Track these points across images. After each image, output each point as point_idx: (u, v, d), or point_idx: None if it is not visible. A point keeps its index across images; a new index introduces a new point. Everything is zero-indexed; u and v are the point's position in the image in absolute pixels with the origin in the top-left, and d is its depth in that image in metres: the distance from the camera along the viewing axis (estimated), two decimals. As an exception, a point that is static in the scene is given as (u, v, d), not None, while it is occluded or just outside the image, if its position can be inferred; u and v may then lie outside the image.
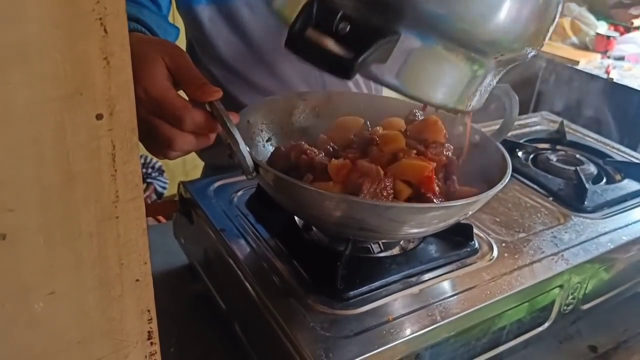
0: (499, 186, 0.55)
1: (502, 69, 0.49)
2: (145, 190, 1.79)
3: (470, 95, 0.47)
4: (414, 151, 0.59)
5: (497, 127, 0.69)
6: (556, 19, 0.46)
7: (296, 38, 0.41)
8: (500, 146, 0.64)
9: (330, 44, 0.40)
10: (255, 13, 0.89)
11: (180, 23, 0.96)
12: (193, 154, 0.75)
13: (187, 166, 2.00)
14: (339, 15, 0.41)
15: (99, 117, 0.35)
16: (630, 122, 2.23)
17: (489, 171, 0.62)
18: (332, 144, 0.64)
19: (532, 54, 0.47)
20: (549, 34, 0.47)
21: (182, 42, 0.98)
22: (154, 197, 1.80)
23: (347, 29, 0.40)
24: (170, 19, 0.87)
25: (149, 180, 1.81)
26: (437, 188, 0.58)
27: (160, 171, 1.86)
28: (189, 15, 0.91)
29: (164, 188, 1.84)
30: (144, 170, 1.81)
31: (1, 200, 0.34)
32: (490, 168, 0.62)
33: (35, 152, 0.35)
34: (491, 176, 0.61)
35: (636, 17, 2.69)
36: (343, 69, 0.41)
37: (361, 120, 0.69)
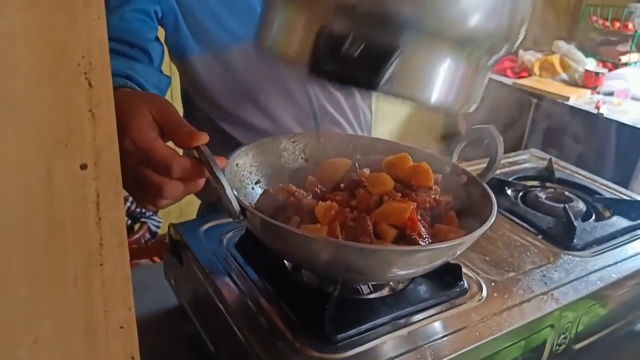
0: (484, 227, 0.56)
1: (489, 65, 0.50)
2: (139, 230, 1.79)
3: (462, 95, 0.49)
4: (399, 194, 0.60)
5: (484, 166, 0.70)
6: (529, 10, 0.48)
7: (318, 68, 0.44)
8: (486, 187, 0.65)
9: (350, 68, 0.43)
10: (249, 58, 0.91)
11: (174, 69, 0.99)
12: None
13: (183, 202, 2.00)
14: (346, 40, 0.43)
15: (84, 167, 0.36)
16: (622, 157, 2.25)
17: (476, 211, 0.63)
18: (319, 187, 0.65)
19: (507, 49, 0.48)
20: (524, 26, 0.48)
21: (176, 87, 1.01)
22: (147, 236, 1.80)
23: (357, 51, 0.42)
24: (166, 65, 0.89)
25: (142, 219, 1.81)
26: (422, 229, 0.58)
27: (154, 210, 1.86)
28: (183, 65, 0.94)
29: (158, 227, 1.84)
30: (138, 209, 1.81)
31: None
32: (477, 208, 0.63)
33: (24, 199, 0.35)
34: (478, 216, 0.61)
35: (623, 54, 2.75)
36: (369, 82, 0.43)
37: (349, 161, 0.70)
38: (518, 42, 0.48)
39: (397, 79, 0.44)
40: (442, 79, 0.46)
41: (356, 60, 0.43)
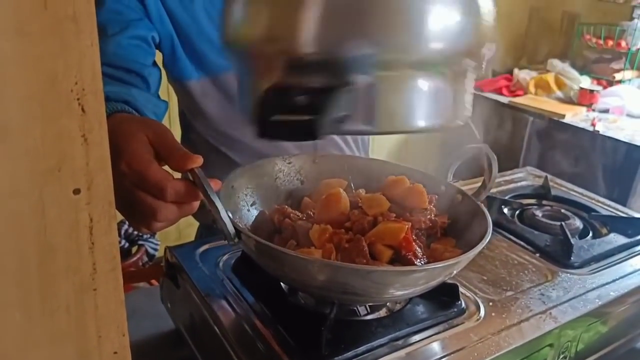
0: (479, 247, 0.56)
1: (467, 73, 0.50)
2: (136, 253, 1.78)
3: (448, 109, 0.49)
4: (394, 214, 0.60)
5: (479, 185, 0.70)
6: (490, 16, 0.48)
7: (265, 126, 0.43)
8: (481, 205, 0.65)
9: (295, 118, 0.41)
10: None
11: (172, 91, 1.00)
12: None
13: (180, 226, 2.00)
14: (292, 93, 0.42)
15: (77, 192, 0.36)
16: (618, 173, 2.25)
17: (472, 230, 0.63)
18: (314, 209, 0.65)
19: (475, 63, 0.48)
20: (488, 31, 0.48)
21: (174, 109, 1.02)
22: (145, 259, 1.79)
23: (304, 101, 0.42)
24: (164, 88, 0.90)
25: (140, 242, 1.80)
26: (417, 249, 0.58)
27: (149, 233, 1.85)
28: (180, 88, 0.95)
29: (155, 250, 1.83)
30: (135, 232, 1.80)
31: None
32: (473, 227, 0.63)
33: (14, 225, 0.35)
34: (474, 235, 0.61)
35: (617, 71, 2.77)
36: (310, 133, 0.42)
37: (344, 182, 0.70)
38: (488, 51, 0.49)
39: (375, 116, 0.44)
40: (418, 102, 0.46)
41: (299, 110, 0.42)
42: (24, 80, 0.32)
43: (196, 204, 0.56)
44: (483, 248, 0.57)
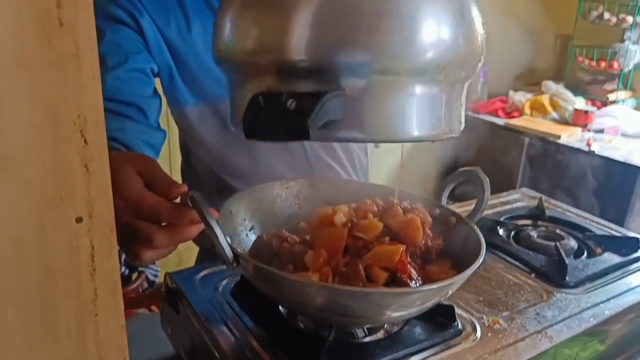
0: (473, 267, 0.57)
1: (459, 85, 0.51)
2: (136, 279, 1.79)
3: (441, 120, 0.50)
4: (387, 237, 0.61)
5: (472, 207, 0.71)
6: (478, 27, 0.49)
7: (253, 127, 0.44)
8: (475, 227, 0.66)
9: (284, 120, 0.43)
10: None
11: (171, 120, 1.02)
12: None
13: (180, 251, 2.01)
14: (282, 97, 0.44)
15: (79, 220, 0.37)
16: (615, 193, 2.27)
17: (466, 252, 0.64)
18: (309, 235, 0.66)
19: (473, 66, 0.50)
20: (479, 42, 0.50)
21: (175, 134, 1.04)
22: (145, 285, 1.79)
23: (293, 104, 0.43)
24: (163, 116, 0.92)
25: (140, 268, 1.81)
26: (413, 271, 0.59)
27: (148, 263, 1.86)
28: (179, 115, 0.97)
29: (155, 276, 1.83)
30: (136, 258, 1.81)
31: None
32: (467, 249, 0.64)
33: (14, 251, 0.36)
34: (468, 257, 0.62)
35: (611, 92, 2.81)
36: (299, 132, 0.43)
37: (343, 208, 0.71)
38: (479, 63, 0.50)
39: (369, 125, 0.46)
40: (410, 111, 0.47)
41: (288, 113, 0.44)
42: (28, 112, 0.34)
43: (192, 230, 0.57)
44: (478, 269, 0.58)
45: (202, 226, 0.57)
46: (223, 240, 0.53)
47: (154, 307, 1.63)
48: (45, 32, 0.33)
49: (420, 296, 0.57)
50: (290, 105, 0.43)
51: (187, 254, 1.69)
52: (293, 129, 0.43)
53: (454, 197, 0.83)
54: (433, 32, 0.45)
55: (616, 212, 2.20)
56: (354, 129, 0.47)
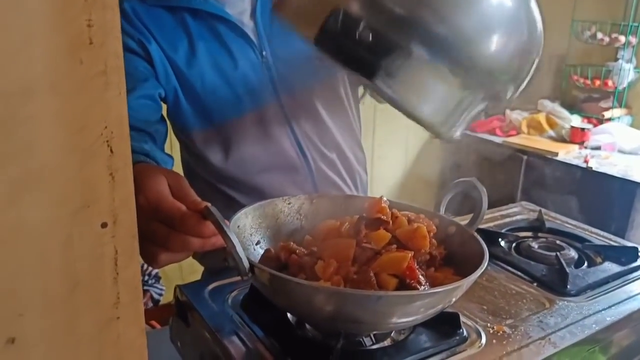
0: (480, 270, 0.59)
1: (484, 105, 0.55)
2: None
3: (455, 122, 0.53)
4: (394, 246, 0.63)
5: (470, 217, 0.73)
6: (534, 62, 0.54)
7: (327, 41, 0.47)
8: (475, 234, 0.68)
9: (358, 48, 0.46)
10: (247, 131, 0.97)
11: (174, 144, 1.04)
12: (189, 261, 0.78)
13: (184, 272, 2.02)
14: (362, 24, 0.47)
15: (104, 225, 0.39)
16: (614, 209, 2.29)
17: (468, 259, 0.66)
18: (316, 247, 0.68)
19: (511, 95, 0.53)
20: (528, 76, 0.55)
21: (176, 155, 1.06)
22: (150, 304, 1.80)
23: (370, 37, 0.46)
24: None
25: (145, 287, 1.82)
26: (421, 277, 0.61)
27: (157, 278, 1.87)
28: (184, 137, 1.01)
29: (160, 295, 1.84)
30: (141, 277, 1.82)
31: (12, 305, 0.37)
32: (469, 256, 0.66)
33: (41, 263, 0.38)
34: (470, 263, 0.64)
35: (606, 109, 2.85)
36: (369, 69, 0.47)
37: (345, 220, 0.73)
38: (519, 89, 0.54)
39: (398, 84, 0.49)
40: (439, 98, 0.51)
41: (365, 46, 0.47)
42: (59, 132, 0.36)
43: (208, 241, 0.59)
44: (481, 279, 0.60)
45: (214, 242, 0.59)
46: (240, 250, 0.55)
47: (153, 322, 1.63)
48: (77, 52, 0.35)
49: (430, 300, 0.59)
50: (366, 38, 0.45)
51: (191, 276, 1.70)
52: (364, 62, 0.46)
53: (455, 211, 0.85)
54: (506, 47, 0.50)
55: (616, 227, 2.21)
56: (385, 84, 0.49)
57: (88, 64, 0.36)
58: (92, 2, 0.36)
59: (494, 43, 0.50)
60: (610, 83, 2.85)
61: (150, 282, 1.84)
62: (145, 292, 1.81)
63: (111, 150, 0.38)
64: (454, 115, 0.52)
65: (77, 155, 0.37)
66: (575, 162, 2.47)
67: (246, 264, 0.56)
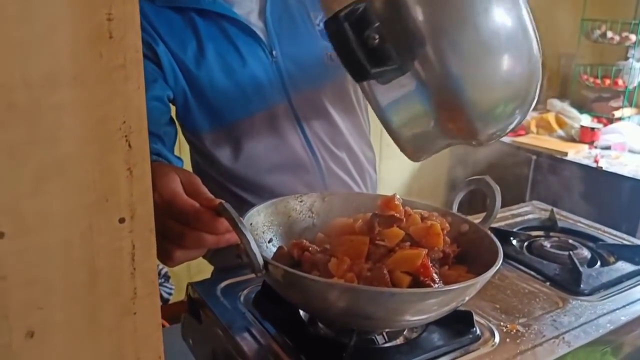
0: (495, 267, 0.58)
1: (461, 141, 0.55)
2: (150, 297, 1.80)
3: (427, 150, 0.55)
4: (408, 243, 0.63)
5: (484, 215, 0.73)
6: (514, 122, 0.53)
7: (335, 24, 0.47)
8: (488, 231, 0.68)
9: (359, 48, 0.46)
10: (258, 131, 0.97)
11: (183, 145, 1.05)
12: (198, 260, 0.79)
13: (192, 271, 2.02)
14: (374, 26, 0.47)
15: (122, 220, 0.39)
16: (625, 209, 2.28)
17: (481, 257, 0.65)
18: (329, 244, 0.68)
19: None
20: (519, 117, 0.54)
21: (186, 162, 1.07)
22: (159, 303, 1.80)
23: (375, 41, 0.47)
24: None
25: (154, 287, 1.83)
26: (435, 274, 0.60)
27: (166, 277, 1.87)
28: (193, 139, 1.01)
29: (170, 294, 1.85)
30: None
31: (32, 297, 0.37)
32: (482, 254, 0.66)
33: (64, 252, 0.38)
34: (484, 261, 0.64)
35: (616, 109, 2.84)
36: (358, 72, 0.47)
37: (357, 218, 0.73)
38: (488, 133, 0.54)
39: (384, 95, 0.50)
40: (419, 125, 0.51)
41: (366, 47, 0.47)
42: (80, 123, 0.36)
43: (222, 238, 0.59)
44: (493, 278, 0.60)
45: (228, 238, 0.59)
46: (255, 246, 0.55)
47: (164, 322, 1.64)
48: (97, 45, 0.36)
49: (444, 298, 0.58)
50: (373, 41, 0.46)
51: (198, 275, 1.71)
52: (355, 66, 0.47)
53: (462, 211, 0.85)
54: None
55: (627, 228, 2.20)
56: (380, 94, 0.51)
57: (108, 57, 0.36)
58: (112, -4, 0.36)
59: (497, 95, 0.50)
60: (620, 82, 2.83)
61: (159, 280, 1.85)
62: (155, 290, 1.83)
63: (129, 145, 0.38)
64: (428, 144, 0.53)
65: (96, 148, 0.38)
66: (585, 162, 2.46)
67: (260, 261, 0.56)
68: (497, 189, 0.69)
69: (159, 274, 1.85)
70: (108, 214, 0.39)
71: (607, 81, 2.87)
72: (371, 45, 0.47)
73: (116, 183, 0.39)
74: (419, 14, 0.47)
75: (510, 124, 0.54)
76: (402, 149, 0.54)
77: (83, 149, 0.37)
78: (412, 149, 0.54)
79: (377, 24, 0.47)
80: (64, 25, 0.35)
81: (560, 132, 2.79)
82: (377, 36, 0.46)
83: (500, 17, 0.48)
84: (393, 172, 2.83)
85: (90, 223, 0.39)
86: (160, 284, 1.83)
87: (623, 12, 2.92)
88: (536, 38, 0.50)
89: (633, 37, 2.77)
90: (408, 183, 2.92)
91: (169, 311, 1.62)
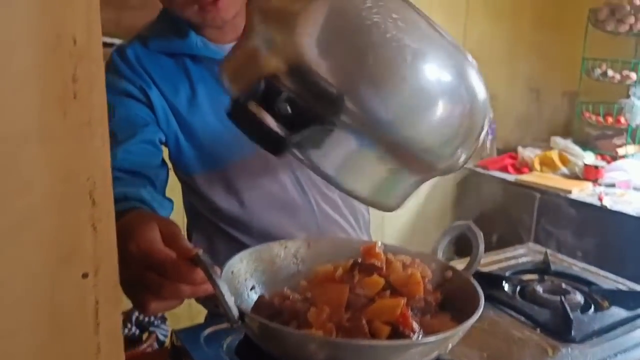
0: (473, 318, 0.58)
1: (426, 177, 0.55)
2: (147, 339, 1.78)
3: (398, 198, 0.54)
4: (388, 291, 0.62)
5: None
6: (480, 132, 0.53)
7: (238, 109, 0.46)
8: (472, 279, 0.67)
9: (269, 120, 0.44)
10: (250, 173, 0.98)
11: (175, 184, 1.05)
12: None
13: (193, 311, 2.01)
14: (282, 96, 0.45)
15: (85, 276, 0.40)
16: (630, 248, 2.24)
17: (465, 305, 0.64)
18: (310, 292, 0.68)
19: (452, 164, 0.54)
20: (473, 146, 0.54)
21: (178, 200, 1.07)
22: (155, 345, 1.78)
23: (288, 110, 0.45)
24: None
25: (151, 328, 1.80)
26: (414, 324, 0.60)
27: (163, 319, 1.86)
28: (186, 180, 1.02)
29: (165, 336, 1.83)
30: (147, 319, 1.81)
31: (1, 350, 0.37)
32: (465, 301, 0.65)
33: (28, 306, 0.39)
34: (467, 309, 0.63)
35: (620, 146, 2.83)
36: (275, 145, 0.45)
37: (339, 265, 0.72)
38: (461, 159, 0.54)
39: (318, 157, 0.49)
40: (363, 169, 0.51)
41: (280, 118, 0.45)
42: (46, 177, 0.37)
43: (199, 288, 0.58)
44: (482, 324, 0.59)
45: (205, 289, 0.59)
46: (229, 299, 0.55)
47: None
48: (62, 104, 0.37)
49: (424, 348, 0.57)
50: (283, 109, 0.44)
51: (200, 316, 1.70)
52: (270, 140, 0.45)
53: (459, 253, 0.85)
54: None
55: (634, 268, 2.16)
56: (328, 166, 0.50)
57: (73, 116, 0.37)
58: (77, 58, 0.37)
59: (431, 123, 0.49)
60: (622, 120, 2.83)
61: (156, 322, 1.83)
62: (151, 333, 1.80)
63: (94, 201, 0.39)
64: (393, 190, 0.53)
65: (61, 203, 0.38)
66: (589, 200, 2.44)
67: (235, 313, 0.55)
68: (480, 235, 0.69)
69: (155, 315, 1.84)
70: (71, 269, 0.39)
71: (610, 119, 2.87)
72: (284, 114, 0.45)
73: (80, 238, 0.39)
74: (326, 71, 0.46)
75: (462, 155, 0.54)
76: (372, 205, 0.54)
77: (48, 204, 0.38)
78: (381, 200, 0.53)
79: (285, 93, 0.46)
80: (31, 86, 0.36)
81: (564, 169, 2.77)
82: (287, 104, 0.45)
83: (419, 58, 0.48)
84: (396, 212, 2.81)
85: (54, 277, 0.39)
86: (157, 326, 1.82)
87: (623, 51, 2.94)
88: (475, 71, 0.51)
89: (634, 76, 2.79)
90: (412, 221, 2.89)
91: (165, 355, 1.60)
